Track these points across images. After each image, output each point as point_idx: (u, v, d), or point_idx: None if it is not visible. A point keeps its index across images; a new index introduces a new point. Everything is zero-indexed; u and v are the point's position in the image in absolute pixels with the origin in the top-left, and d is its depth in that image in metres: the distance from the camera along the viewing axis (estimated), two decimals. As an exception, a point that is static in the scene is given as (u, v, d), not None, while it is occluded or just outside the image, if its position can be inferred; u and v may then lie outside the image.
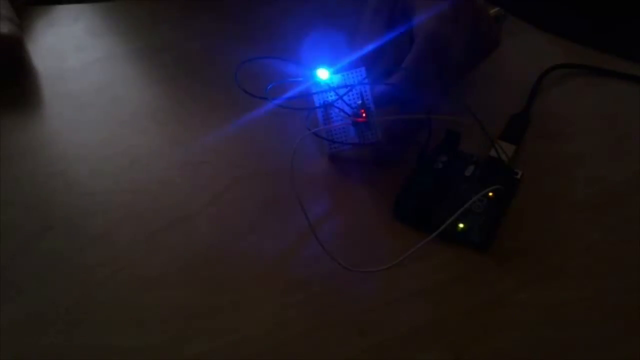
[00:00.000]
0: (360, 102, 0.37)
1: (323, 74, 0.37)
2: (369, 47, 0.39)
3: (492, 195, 0.36)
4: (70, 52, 0.49)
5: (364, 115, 0.37)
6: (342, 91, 0.37)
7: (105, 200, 0.39)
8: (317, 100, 0.37)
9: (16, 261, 0.36)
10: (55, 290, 0.34)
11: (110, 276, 0.35)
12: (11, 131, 0.43)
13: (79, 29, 0.51)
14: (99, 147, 0.42)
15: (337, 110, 0.37)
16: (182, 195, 0.39)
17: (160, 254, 0.36)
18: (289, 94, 0.35)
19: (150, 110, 0.44)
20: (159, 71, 0.48)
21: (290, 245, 0.36)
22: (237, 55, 0.35)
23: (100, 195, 0.39)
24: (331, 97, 0.37)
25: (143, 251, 0.36)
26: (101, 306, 0.34)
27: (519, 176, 0.38)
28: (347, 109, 0.37)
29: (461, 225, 0.35)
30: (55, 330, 0.33)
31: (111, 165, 0.41)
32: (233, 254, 0.36)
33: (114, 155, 0.41)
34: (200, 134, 0.42)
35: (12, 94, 0.46)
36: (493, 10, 0.45)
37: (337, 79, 0.37)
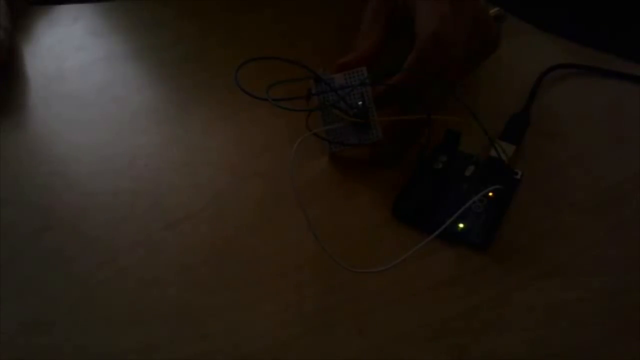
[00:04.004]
0: (361, 102, 0.37)
1: (324, 73, 0.37)
2: (369, 47, 0.39)
3: (492, 195, 0.36)
4: (70, 52, 0.49)
5: (364, 117, 0.37)
6: (342, 91, 0.37)
7: (105, 200, 0.39)
8: (318, 100, 0.37)
9: (16, 261, 0.36)
10: (55, 290, 0.34)
11: (110, 276, 0.35)
12: (11, 132, 0.43)
13: (79, 29, 0.51)
14: (99, 147, 0.42)
15: (337, 110, 0.37)
16: (182, 195, 0.39)
17: (160, 254, 0.36)
18: (290, 94, 0.35)
19: (150, 110, 0.44)
20: (159, 71, 0.48)
21: (290, 245, 0.36)
22: (238, 55, 0.35)
23: (100, 195, 0.39)
24: (332, 97, 0.37)
25: (143, 251, 0.36)
26: (101, 306, 0.34)
27: (519, 176, 0.38)
28: (348, 108, 0.37)
29: (461, 225, 0.35)
30: (55, 330, 0.33)
31: (111, 165, 0.41)
32: (233, 254, 0.36)
33: (114, 155, 0.41)
34: (200, 134, 0.42)
35: (12, 94, 0.46)
36: (493, 10, 0.45)
37: (338, 79, 0.37)
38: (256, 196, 0.38)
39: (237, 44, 0.48)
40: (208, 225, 0.37)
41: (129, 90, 0.46)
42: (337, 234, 0.36)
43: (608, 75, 0.44)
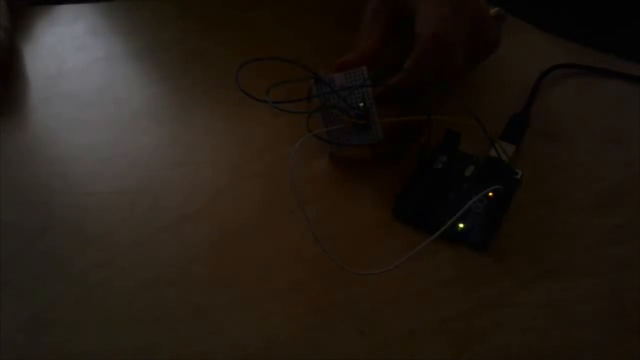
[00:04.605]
0: (362, 103, 0.37)
1: (325, 74, 0.36)
2: (370, 46, 0.39)
3: (492, 195, 0.36)
4: (70, 52, 0.49)
5: (365, 118, 0.37)
6: (343, 92, 0.37)
7: (105, 200, 0.39)
8: (319, 101, 0.37)
9: (16, 261, 0.36)
10: (55, 290, 0.34)
11: (110, 276, 0.35)
12: (11, 132, 0.43)
13: (79, 29, 0.51)
14: (99, 147, 0.42)
15: (338, 111, 0.37)
16: (182, 195, 0.39)
17: (160, 254, 0.36)
18: (290, 95, 0.35)
19: (150, 110, 0.44)
20: (159, 71, 0.48)
21: (290, 245, 0.36)
22: (238, 55, 0.35)
23: (100, 195, 0.39)
24: (332, 98, 0.37)
25: (143, 251, 0.36)
26: (101, 306, 0.34)
27: (519, 176, 0.38)
28: (348, 109, 0.37)
29: (461, 225, 0.35)
30: (55, 330, 0.33)
31: (111, 165, 0.41)
32: (233, 254, 0.36)
33: (114, 155, 0.41)
34: (200, 134, 0.42)
35: (12, 94, 0.46)
36: (493, 10, 0.45)
37: (339, 78, 0.37)
38: (256, 196, 0.38)
39: (237, 44, 0.48)
40: (208, 225, 0.37)
41: (129, 90, 0.46)
42: (337, 234, 0.36)
43: (608, 75, 0.44)
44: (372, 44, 0.39)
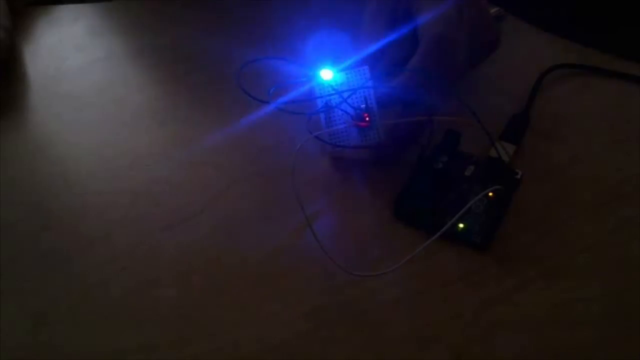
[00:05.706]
0: (363, 105, 0.37)
1: (326, 74, 0.36)
2: (371, 47, 0.38)
3: (492, 195, 0.36)
4: (70, 52, 0.49)
5: (367, 119, 0.37)
6: (345, 93, 0.36)
7: (105, 201, 0.39)
8: (320, 102, 0.37)
9: (16, 261, 0.36)
10: (55, 290, 0.34)
11: (110, 276, 0.35)
12: (11, 132, 0.43)
13: (79, 29, 0.51)
14: (99, 148, 0.42)
15: (339, 112, 0.37)
16: (182, 195, 0.39)
17: (160, 254, 0.36)
18: (291, 95, 0.35)
19: (150, 111, 0.44)
20: (160, 71, 0.48)
21: (289, 245, 0.36)
22: (239, 55, 0.35)
23: (100, 196, 0.39)
24: (334, 99, 0.37)
25: (143, 251, 0.36)
26: (101, 306, 0.34)
27: (519, 176, 0.38)
28: (350, 110, 0.37)
29: (461, 225, 0.35)
30: (55, 330, 0.33)
31: (111, 165, 0.41)
32: (233, 255, 0.36)
33: (114, 155, 0.41)
34: (201, 135, 0.42)
35: (12, 94, 0.46)
36: (493, 10, 0.45)
37: (340, 79, 0.37)
38: (256, 197, 0.38)
39: (237, 44, 0.48)
40: (208, 225, 0.37)
41: (129, 90, 0.46)
42: (337, 235, 0.36)
43: (608, 75, 0.44)
44: (374, 43, 0.39)
